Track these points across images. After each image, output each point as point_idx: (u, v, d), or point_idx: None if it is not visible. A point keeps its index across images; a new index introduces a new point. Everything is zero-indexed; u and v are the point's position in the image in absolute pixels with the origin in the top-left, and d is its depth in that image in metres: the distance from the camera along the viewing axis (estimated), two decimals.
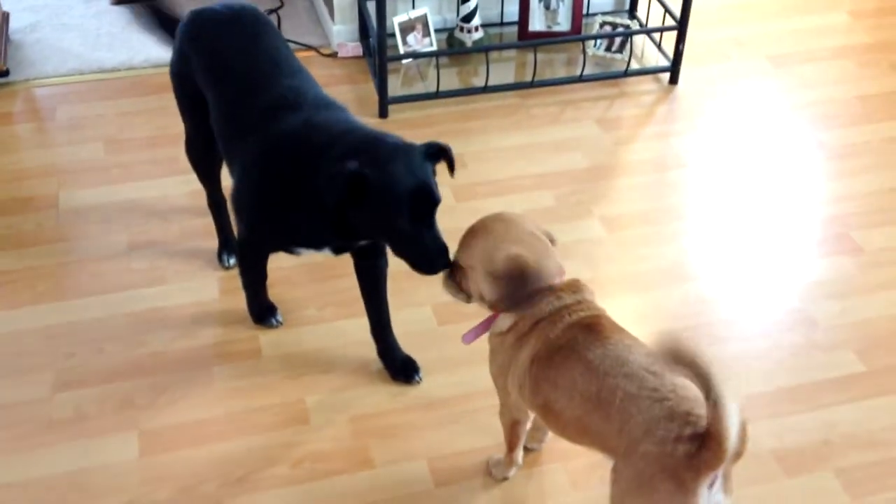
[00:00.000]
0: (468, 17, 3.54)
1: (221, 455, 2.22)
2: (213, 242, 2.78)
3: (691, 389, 1.64)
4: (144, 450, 2.24)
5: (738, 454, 1.57)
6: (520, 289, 1.84)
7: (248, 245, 2.33)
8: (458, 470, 2.20)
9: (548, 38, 3.56)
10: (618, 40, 3.62)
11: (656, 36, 3.66)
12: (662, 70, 3.57)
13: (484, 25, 3.61)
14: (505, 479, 2.18)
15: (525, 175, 3.10)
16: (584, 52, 3.54)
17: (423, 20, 3.52)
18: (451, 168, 2.05)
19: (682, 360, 1.52)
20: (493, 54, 3.58)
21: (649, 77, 3.59)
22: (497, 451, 2.20)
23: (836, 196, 3.03)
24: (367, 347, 2.46)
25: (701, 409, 1.59)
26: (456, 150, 3.12)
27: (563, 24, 3.63)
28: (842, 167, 3.16)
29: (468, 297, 1.93)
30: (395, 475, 2.19)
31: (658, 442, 1.61)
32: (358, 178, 1.87)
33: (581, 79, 3.49)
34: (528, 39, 3.62)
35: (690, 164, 3.16)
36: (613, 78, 3.54)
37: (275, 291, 2.64)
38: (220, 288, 2.66)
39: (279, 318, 2.55)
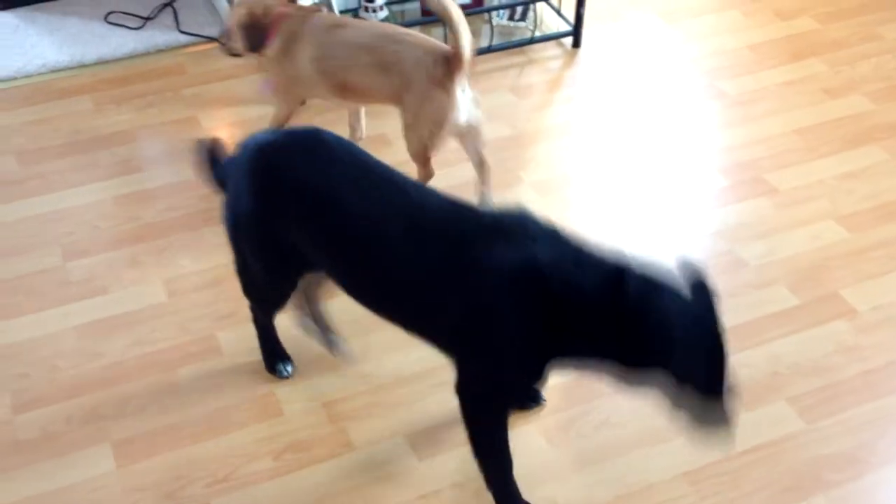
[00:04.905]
0: None
1: (201, 456, 2.22)
2: (153, 245, 2.75)
3: (414, 34, 2.65)
4: (121, 460, 2.21)
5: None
6: (253, 33, 2.78)
7: (497, 398, 1.95)
8: (437, 442, 2.26)
9: None
10: (519, 9, 3.69)
11: (554, 1, 3.75)
12: (565, 35, 3.66)
13: (386, 3, 3.63)
14: None
15: (450, 148, 3.14)
16: (490, 22, 3.60)
17: (328, 3, 3.51)
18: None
19: (437, 10, 2.47)
20: None
21: (552, 42, 3.68)
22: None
23: (744, 142, 3.19)
24: None
25: (430, 42, 2.62)
26: (377, 129, 3.20)
27: None
28: (745, 113, 3.32)
29: (239, 53, 2.87)
30: (377, 455, 2.23)
31: (425, 69, 2.57)
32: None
33: (490, 49, 3.56)
34: (431, 14, 3.65)
35: (605, 124, 3.27)
36: (520, 46, 3.62)
37: (223, 288, 2.63)
38: (167, 291, 2.63)
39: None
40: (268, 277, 2.14)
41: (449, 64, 2.55)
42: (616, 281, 1.77)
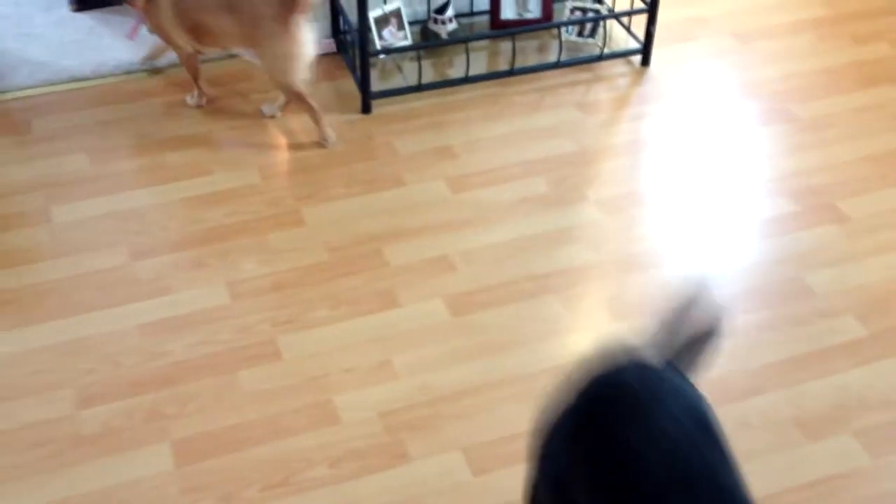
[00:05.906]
0: (442, 9, 3.56)
1: (259, 459, 2.23)
2: (218, 248, 2.78)
3: None
4: (180, 460, 2.23)
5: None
6: None
7: None
8: (494, 458, 2.24)
9: (524, 26, 3.60)
10: (588, 25, 3.68)
11: (624, 18, 3.73)
12: (634, 52, 3.63)
13: (455, 16, 3.64)
14: (200, 106, 3.35)
15: (515, 163, 3.14)
16: (560, 38, 3.59)
17: (398, 14, 3.53)
18: None
19: None
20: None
21: (621, 60, 3.66)
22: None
23: (816, 166, 3.13)
24: (384, 343, 2.49)
25: None
26: (444, 141, 3.21)
27: (534, 11, 3.67)
28: (817, 138, 3.27)
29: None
30: (432, 467, 2.22)
31: (270, 8, 2.92)
32: None
33: (558, 65, 3.55)
34: (500, 28, 3.66)
35: (673, 143, 3.23)
36: (588, 62, 3.60)
37: (285, 293, 2.65)
38: (231, 293, 2.66)
39: None
40: None
41: (292, 3, 2.90)
42: None
